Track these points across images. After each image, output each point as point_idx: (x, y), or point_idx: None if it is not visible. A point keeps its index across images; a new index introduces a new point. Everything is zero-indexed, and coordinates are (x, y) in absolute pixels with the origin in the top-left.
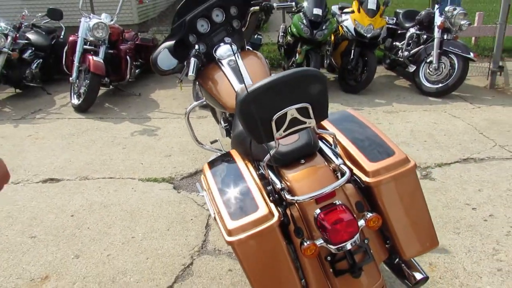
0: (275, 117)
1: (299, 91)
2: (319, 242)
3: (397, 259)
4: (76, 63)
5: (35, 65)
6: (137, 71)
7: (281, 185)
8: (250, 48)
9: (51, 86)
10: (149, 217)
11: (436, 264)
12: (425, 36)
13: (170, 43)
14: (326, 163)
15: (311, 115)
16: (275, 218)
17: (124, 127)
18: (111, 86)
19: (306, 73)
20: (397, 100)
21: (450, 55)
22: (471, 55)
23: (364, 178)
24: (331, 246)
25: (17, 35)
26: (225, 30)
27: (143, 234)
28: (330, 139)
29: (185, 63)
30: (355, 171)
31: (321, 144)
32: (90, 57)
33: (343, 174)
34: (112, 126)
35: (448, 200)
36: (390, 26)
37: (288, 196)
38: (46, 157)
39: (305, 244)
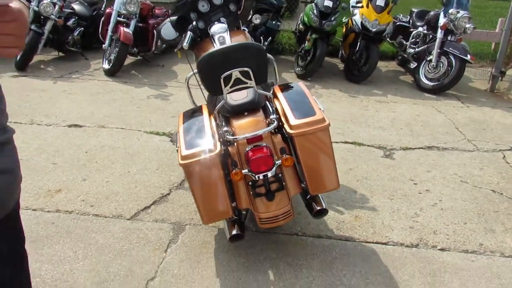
0: (222, 76)
1: (242, 58)
2: (245, 170)
3: (309, 196)
4: (109, 33)
5: (77, 32)
6: (163, 45)
7: (226, 129)
8: (246, 29)
9: (89, 52)
10: (145, 159)
11: (360, 216)
12: (431, 36)
13: (174, 18)
14: (264, 117)
15: (252, 77)
16: (217, 151)
17: (142, 91)
18: (139, 56)
19: (248, 45)
20: (393, 93)
21: (449, 55)
22: (468, 57)
23: (289, 130)
24: (252, 174)
25: (64, 5)
26: (222, 12)
27: (137, 170)
28: (275, 101)
29: (183, 36)
30: (285, 125)
31: (267, 103)
32: (122, 28)
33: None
34: (133, 90)
35: (396, 174)
36: (404, 24)
37: (229, 136)
38: (74, 108)
39: (234, 170)
